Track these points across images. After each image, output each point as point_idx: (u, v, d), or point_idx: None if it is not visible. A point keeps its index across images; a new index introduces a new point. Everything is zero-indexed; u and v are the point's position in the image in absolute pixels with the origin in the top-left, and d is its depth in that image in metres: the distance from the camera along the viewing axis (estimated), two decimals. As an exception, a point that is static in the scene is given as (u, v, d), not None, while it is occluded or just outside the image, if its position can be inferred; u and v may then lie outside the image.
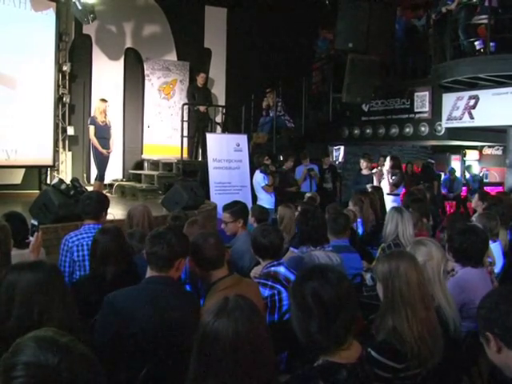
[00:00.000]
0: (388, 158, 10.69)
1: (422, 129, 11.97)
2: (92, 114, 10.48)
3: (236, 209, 5.57)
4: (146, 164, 12.77)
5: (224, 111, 13.68)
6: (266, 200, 10.11)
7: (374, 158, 12.40)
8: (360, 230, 7.31)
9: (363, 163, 11.26)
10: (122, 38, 12.68)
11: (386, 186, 10.17)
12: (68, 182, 7.26)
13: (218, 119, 13.54)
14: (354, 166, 14.35)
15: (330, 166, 12.50)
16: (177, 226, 4.65)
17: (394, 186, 10.11)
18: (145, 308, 2.91)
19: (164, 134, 13.13)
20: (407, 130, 12.29)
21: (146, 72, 13.00)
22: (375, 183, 10.37)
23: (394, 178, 10.26)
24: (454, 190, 15.43)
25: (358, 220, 7.30)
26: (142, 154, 12.96)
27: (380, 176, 10.45)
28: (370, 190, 9.06)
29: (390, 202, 9.37)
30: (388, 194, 9.96)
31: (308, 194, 9.06)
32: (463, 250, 3.88)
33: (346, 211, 6.60)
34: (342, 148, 16.68)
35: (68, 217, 6.39)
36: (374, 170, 10.89)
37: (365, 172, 11.20)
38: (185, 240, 3.26)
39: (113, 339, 2.86)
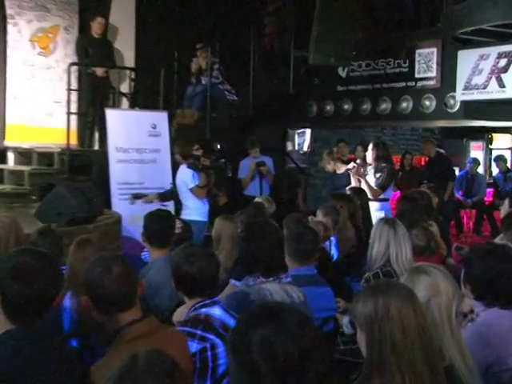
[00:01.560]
0: (370, 147, 10.48)
1: (427, 103, 12.07)
2: None
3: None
4: (10, 155, 12.63)
5: (133, 76, 13.60)
6: (196, 209, 10.07)
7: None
8: (334, 253, 7.37)
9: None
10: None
11: (367, 188, 9.94)
12: None
13: (125, 88, 13.43)
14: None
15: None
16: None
17: (381, 187, 9.98)
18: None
19: (40, 108, 12.96)
20: (404, 104, 12.40)
21: (8, 11, 12.68)
22: (354, 184, 10.25)
23: (379, 175, 10.12)
24: (474, 193, 15.55)
25: (332, 238, 7.37)
26: (4, 139, 12.77)
27: (358, 173, 10.25)
28: (348, 193, 9.09)
29: (374, 211, 9.36)
30: (371, 200, 9.80)
31: (258, 199, 9.08)
32: (487, 282, 3.89)
33: (314, 225, 6.65)
34: (308, 132, 16.83)
35: None
36: (350, 165, 10.73)
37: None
38: (59, 270, 3.23)
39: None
